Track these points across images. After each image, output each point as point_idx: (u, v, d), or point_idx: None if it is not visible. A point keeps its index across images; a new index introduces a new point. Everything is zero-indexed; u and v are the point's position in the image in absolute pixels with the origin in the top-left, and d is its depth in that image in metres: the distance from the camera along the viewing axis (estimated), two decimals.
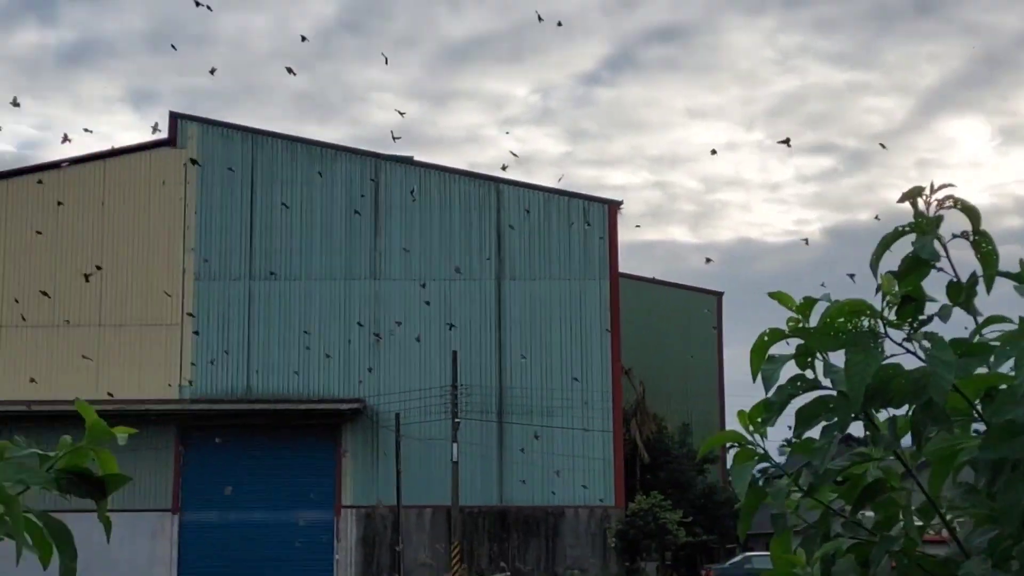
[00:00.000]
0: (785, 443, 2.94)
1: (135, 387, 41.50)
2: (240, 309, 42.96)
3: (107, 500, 2.71)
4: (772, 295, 2.75)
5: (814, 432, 2.75)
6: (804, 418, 2.75)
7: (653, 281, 63.44)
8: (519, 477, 42.34)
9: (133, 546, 39.85)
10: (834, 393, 2.69)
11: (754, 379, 2.80)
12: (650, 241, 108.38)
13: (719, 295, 65.31)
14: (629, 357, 50.16)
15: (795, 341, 2.75)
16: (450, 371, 42.21)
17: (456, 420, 41.46)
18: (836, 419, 2.71)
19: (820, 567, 2.79)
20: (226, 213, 43.75)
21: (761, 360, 2.78)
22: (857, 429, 2.77)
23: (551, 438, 42.60)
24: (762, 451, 2.88)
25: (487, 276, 43.70)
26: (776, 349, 2.78)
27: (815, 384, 2.75)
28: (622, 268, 46.75)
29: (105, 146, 46.30)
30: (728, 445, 2.94)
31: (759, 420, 2.88)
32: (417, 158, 45.56)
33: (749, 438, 2.90)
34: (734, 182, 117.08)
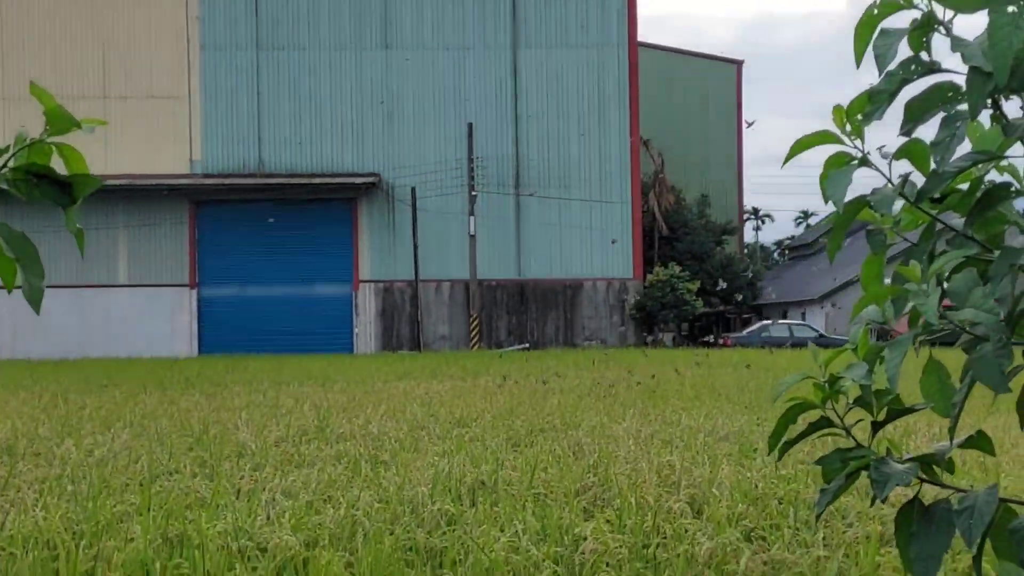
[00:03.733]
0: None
1: (145, 162, 41.04)
2: (248, 80, 42.05)
3: (76, 208, 2.20)
4: None
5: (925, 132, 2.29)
6: (916, 110, 2.25)
7: (672, 50, 61.95)
8: (536, 250, 42.19)
9: (154, 320, 40.20)
10: (953, 79, 2.18)
11: (858, 62, 2.28)
12: (669, 13, 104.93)
13: (739, 63, 63.92)
14: (648, 128, 49.39)
15: (908, 15, 2.26)
16: (466, 144, 41.57)
17: (473, 193, 41.08)
18: (958, 109, 2.21)
19: (933, 283, 2.29)
20: None
21: (868, 37, 2.27)
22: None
23: (569, 209, 42.29)
24: (860, 153, 2.37)
25: (502, 45, 42.57)
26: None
27: (934, 67, 2.25)
28: (641, 38, 45.53)
29: None
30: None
31: (859, 117, 2.36)
32: None
33: (846, 140, 2.39)
34: None
